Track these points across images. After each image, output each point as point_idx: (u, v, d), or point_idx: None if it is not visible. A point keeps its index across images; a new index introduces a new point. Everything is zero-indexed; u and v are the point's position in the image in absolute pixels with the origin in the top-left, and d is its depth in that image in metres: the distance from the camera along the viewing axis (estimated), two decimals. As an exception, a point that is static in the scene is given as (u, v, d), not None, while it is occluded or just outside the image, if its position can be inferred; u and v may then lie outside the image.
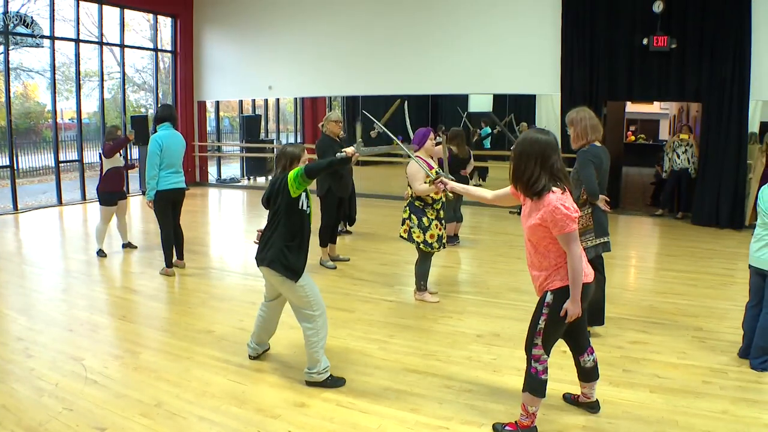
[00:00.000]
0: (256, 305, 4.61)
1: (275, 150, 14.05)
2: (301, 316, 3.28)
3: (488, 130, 11.23)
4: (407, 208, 4.59)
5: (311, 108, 15.03)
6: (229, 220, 9.09)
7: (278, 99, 14.23)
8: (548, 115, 10.38)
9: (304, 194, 3.21)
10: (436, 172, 4.56)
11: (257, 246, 3.33)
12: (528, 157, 2.53)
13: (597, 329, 4.09)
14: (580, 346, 2.86)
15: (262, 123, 14.28)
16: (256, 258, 3.32)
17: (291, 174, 3.11)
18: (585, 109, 3.78)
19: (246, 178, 13.81)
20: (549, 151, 2.53)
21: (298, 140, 15.32)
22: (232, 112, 17.34)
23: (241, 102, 13.93)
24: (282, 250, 3.13)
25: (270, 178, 13.93)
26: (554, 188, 2.47)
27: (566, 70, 8.90)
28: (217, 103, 13.43)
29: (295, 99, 14.79)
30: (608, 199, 3.79)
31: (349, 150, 3.27)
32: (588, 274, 2.61)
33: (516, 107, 11.15)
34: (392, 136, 3.82)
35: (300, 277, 3.19)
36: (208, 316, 4.46)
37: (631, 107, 17.08)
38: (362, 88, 10.79)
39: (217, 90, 12.54)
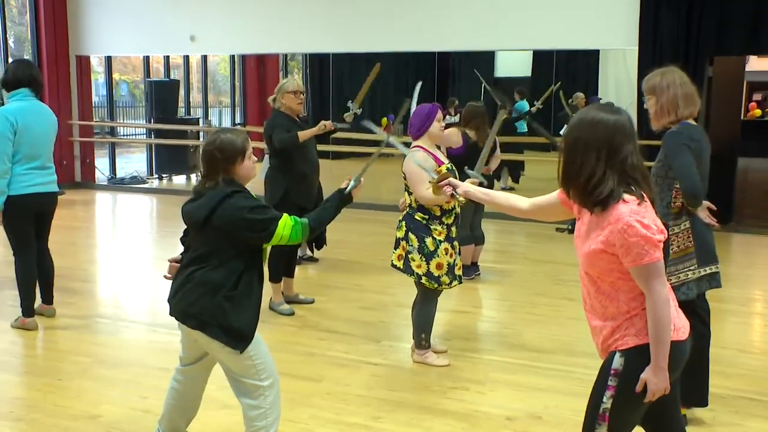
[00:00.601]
0: (169, 373, 4.68)
1: (202, 135, 13.98)
2: (242, 388, 3.30)
3: (525, 105, 11.24)
4: (403, 222, 4.68)
5: (257, 71, 15.00)
6: (128, 242, 9.03)
7: (205, 57, 14.18)
8: (619, 83, 10.42)
9: None
10: (447, 169, 4.47)
11: (171, 284, 3.32)
12: (586, 147, 2.53)
13: (697, 412, 4.06)
14: None
15: (182, 92, 14.21)
16: (170, 303, 3.29)
17: (284, 231, 3.15)
18: (674, 70, 3.83)
19: (156, 176, 13.71)
20: (620, 138, 2.52)
21: (237, 120, 15.28)
22: (133, 75, 17.24)
23: (147, 60, 13.85)
24: (220, 305, 3.13)
25: (197, 178, 13.86)
26: (627, 196, 2.48)
27: (648, 11, 8.95)
28: (109, 60, 13.34)
29: (232, 57, 14.76)
30: (713, 207, 3.83)
31: (354, 183, 3.50)
32: (680, 327, 2.61)
33: (567, 71, 11.18)
34: (374, 127, 3.80)
35: (246, 346, 3.19)
36: (91, 392, 4.40)
37: (756, 64, 17.23)
38: (333, 44, 10.78)
39: (109, 40, 12.45)
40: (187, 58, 14.13)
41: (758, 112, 19.17)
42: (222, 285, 3.13)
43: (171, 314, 3.29)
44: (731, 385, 4.49)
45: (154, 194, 12.61)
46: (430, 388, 4.46)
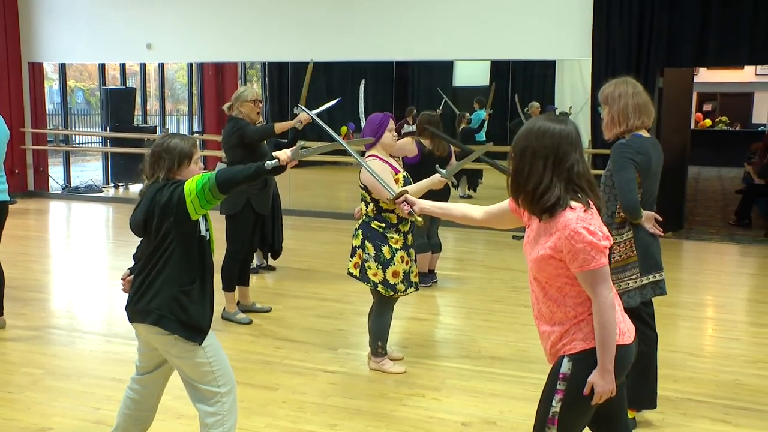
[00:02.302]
0: (123, 383, 4.66)
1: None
2: (199, 395, 3.28)
3: (482, 114, 11.35)
4: (360, 231, 4.69)
5: (215, 79, 14.89)
6: (82, 251, 8.93)
7: (162, 65, 14.05)
8: (574, 92, 10.56)
9: (203, 217, 3.24)
10: (404, 177, 4.48)
11: (128, 294, 3.32)
12: (534, 155, 2.57)
13: (647, 414, 4.12)
14: None
15: (138, 101, 14.06)
16: (127, 310, 3.28)
17: (191, 185, 3.08)
18: (629, 80, 3.88)
19: (112, 185, 13.56)
20: (566, 147, 2.56)
21: (195, 128, 15.17)
22: (89, 82, 17.03)
23: (102, 68, 13.68)
24: (177, 298, 3.14)
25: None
26: (574, 203, 2.52)
27: (601, 22, 9.09)
28: (63, 67, 13.17)
29: (190, 66, 14.64)
30: (659, 218, 3.88)
31: (283, 155, 3.24)
32: (626, 331, 2.65)
33: (524, 81, 11.30)
34: (330, 131, 3.73)
35: (203, 339, 3.21)
36: (42, 404, 4.34)
37: (706, 75, 17.63)
38: (291, 52, 10.78)
39: (63, 47, 12.31)
40: (144, 66, 14.00)
41: (707, 122, 19.60)
42: (176, 279, 3.15)
43: (130, 320, 3.27)
44: (680, 388, 4.58)
45: (110, 203, 12.44)
46: (386, 395, 4.47)
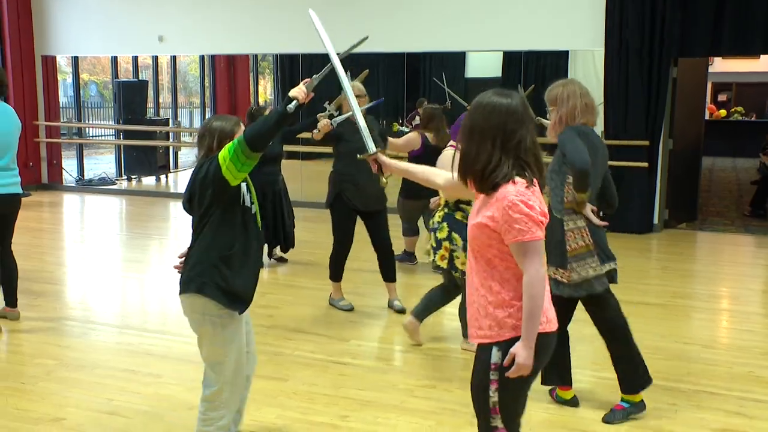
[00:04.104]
0: (136, 374, 4.64)
1: (170, 136, 13.90)
2: (205, 378, 3.38)
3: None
4: (444, 224, 4.84)
5: (227, 72, 14.91)
6: (96, 244, 8.94)
7: (175, 57, 14.07)
8: (587, 83, 10.44)
9: (245, 186, 3.28)
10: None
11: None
12: (482, 135, 2.59)
13: (660, 406, 4.16)
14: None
15: (150, 93, 14.11)
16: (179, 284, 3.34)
17: (223, 152, 3.13)
18: (574, 81, 3.97)
19: (125, 178, 13.61)
20: (513, 123, 2.57)
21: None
22: (102, 75, 17.09)
23: (115, 60, 13.71)
24: (216, 265, 3.19)
25: (191, 172, 13.78)
26: (518, 178, 2.55)
27: (614, 12, 9.04)
28: (76, 60, 13.21)
29: (202, 58, 14.66)
30: (594, 209, 3.93)
31: (300, 93, 3.16)
32: (551, 319, 2.67)
33: (536, 72, 11.23)
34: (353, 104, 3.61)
35: (245, 309, 3.29)
36: (55, 395, 4.35)
37: (720, 65, 17.49)
38: (303, 44, 10.73)
39: (76, 40, 12.33)
40: (156, 58, 14.02)
41: (721, 112, 19.47)
42: (216, 246, 3.20)
43: (180, 294, 3.31)
44: (694, 380, 4.57)
45: (123, 195, 12.48)
46: (396, 386, 4.47)
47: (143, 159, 13.48)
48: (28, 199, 10.58)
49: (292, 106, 3.12)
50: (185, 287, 3.26)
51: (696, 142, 10.11)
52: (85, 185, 12.93)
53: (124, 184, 13.35)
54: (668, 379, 4.51)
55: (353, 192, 5.69)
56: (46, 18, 12.31)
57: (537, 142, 2.64)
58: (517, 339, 2.58)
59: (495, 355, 2.62)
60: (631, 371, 3.99)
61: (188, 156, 15.86)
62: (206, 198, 3.19)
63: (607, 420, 3.96)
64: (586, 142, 3.79)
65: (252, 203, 3.31)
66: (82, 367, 4.77)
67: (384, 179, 3.33)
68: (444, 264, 4.81)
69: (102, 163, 15.04)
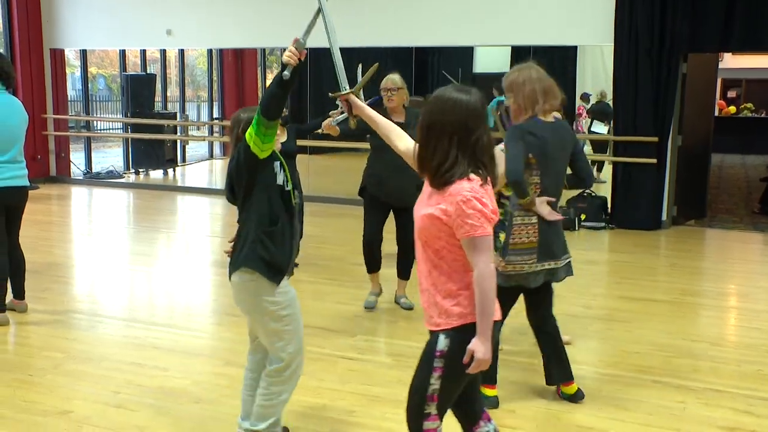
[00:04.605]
0: (144, 368, 4.63)
1: (178, 129, 13.89)
2: (269, 354, 3.48)
3: (501, 101, 11.24)
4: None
5: (235, 66, 14.91)
6: (104, 237, 8.96)
7: (182, 51, 14.07)
8: (596, 79, 10.46)
9: (279, 166, 3.37)
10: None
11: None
12: (441, 132, 2.59)
13: (669, 404, 4.14)
14: (473, 413, 2.94)
15: (158, 87, 14.11)
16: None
17: (249, 130, 3.26)
18: (531, 65, 3.87)
19: (133, 171, 13.63)
20: (473, 121, 2.58)
21: (215, 114, 15.22)
22: (111, 69, 17.07)
23: (123, 54, 13.72)
24: (261, 240, 3.32)
25: (162, 171, 13.79)
26: (473, 175, 2.58)
27: (624, 7, 9.01)
28: (84, 53, 13.22)
29: (210, 52, 14.66)
30: (552, 199, 3.90)
31: (291, 58, 3.12)
32: (496, 309, 2.69)
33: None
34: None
35: (281, 279, 3.36)
36: (63, 387, 4.36)
37: (730, 61, 17.40)
38: (311, 38, 10.68)
39: (84, 33, 12.35)
40: (164, 52, 14.03)
41: (731, 108, 19.39)
42: (260, 223, 3.33)
43: (230, 277, 3.39)
44: (702, 378, 4.54)
45: (131, 189, 12.50)
46: (404, 381, 4.37)
47: (151, 152, 13.49)
48: (36, 192, 10.62)
49: (287, 72, 3.11)
50: (233, 267, 3.38)
51: (705, 139, 10.06)
52: (93, 178, 12.95)
53: (131, 178, 13.38)
54: (676, 377, 4.50)
55: (376, 186, 5.69)
56: (55, 11, 12.33)
57: (492, 142, 2.66)
58: (464, 327, 2.61)
59: (442, 342, 2.64)
60: (557, 364, 4.11)
61: (196, 150, 15.88)
62: (243, 179, 3.32)
63: None
64: (536, 139, 3.75)
65: (285, 180, 3.40)
66: (89, 359, 4.77)
67: (352, 121, 3.39)
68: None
69: (110, 157, 15.05)
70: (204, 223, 10.25)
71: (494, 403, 4.05)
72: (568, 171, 4.06)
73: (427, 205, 2.63)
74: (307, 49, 3.25)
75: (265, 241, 3.32)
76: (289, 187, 3.41)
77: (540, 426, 3.89)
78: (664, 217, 9.13)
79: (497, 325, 2.72)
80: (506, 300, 3.85)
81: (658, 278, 7.04)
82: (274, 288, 3.33)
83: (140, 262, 7.43)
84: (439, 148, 2.57)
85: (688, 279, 7.00)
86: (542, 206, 3.83)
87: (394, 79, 5.57)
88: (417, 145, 2.68)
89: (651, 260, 7.78)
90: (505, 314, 3.79)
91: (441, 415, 2.74)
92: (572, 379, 4.15)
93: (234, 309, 5.74)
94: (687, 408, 4.12)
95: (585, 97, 11.04)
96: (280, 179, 3.37)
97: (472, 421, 2.93)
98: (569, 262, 4.03)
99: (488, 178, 2.60)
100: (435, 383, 2.67)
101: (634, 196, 9.02)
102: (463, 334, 2.61)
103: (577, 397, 4.13)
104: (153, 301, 6.29)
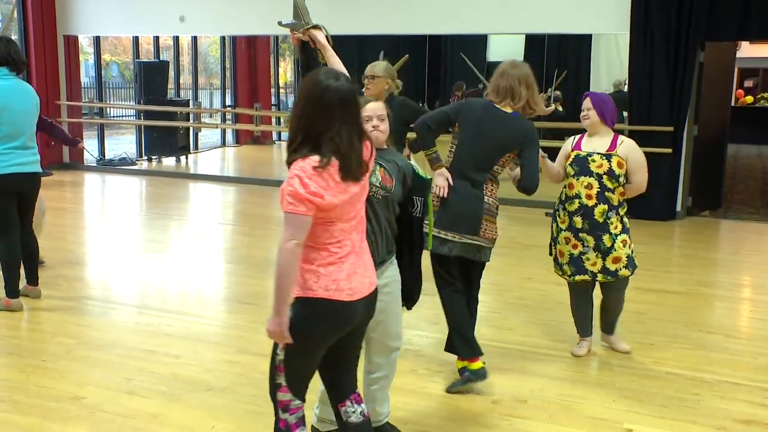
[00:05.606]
0: (156, 355, 4.66)
1: (191, 117, 13.89)
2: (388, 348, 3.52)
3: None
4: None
5: (247, 53, 14.90)
6: (117, 224, 8.98)
7: (195, 38, 14.06)
8: (611, 67, 10.38)
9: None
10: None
11: None
12: (303, 110, 2.66)
13: (684, 396, 4.12)
14: (338, 391, 2.97)
15: (171, 74, 14.10)
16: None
17: None
18: (517, 65, 4.16)
19: (146, 158, 13.66)
20: (337, 105, 2.62)
21: (227, 102, 15.19)
22: (124, 56, 17.11)
23: (136, 41, 13.71)
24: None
25: (180, 157, 13.79)
26: (314, 156, 2.60)
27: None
28: (98, 40, 13.21)
29: (223, 39, 14.65)
30: (447, 175, 4.07)
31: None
32: (345, 288, 2.69)
33: (559, 55, 11.13)
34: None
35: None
36: (76, 373, 4.39)
37: (748, 50, 17.22)
38: (325, 25, 10.68)
39: (97, 20, 12.34)
40: (177, 39, 14.02)
41: (750, 98, 19.21)
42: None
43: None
44: (716, 370, 4.52)
45: (144, 176, 12.51)
46: (416, 371, 4.45)
47: (164, 139, 13.50)
48: (50, 179, 10.64)
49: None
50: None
51: (721, 129, 9.96)
52: (106, 165, 12.99)
53: (144, 165, 13.39)
54: (691, 369, 4.47)
55: None
56: (68, -3, 12.33)
57: (362, 131, 2.72)
58: (299, 300, 2.67)
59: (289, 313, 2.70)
60: (460, 339, 4.20)
61: (208, 137, 15.89)
62: None
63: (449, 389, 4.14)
64: (471, 112, 4.07)
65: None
66: (101, 346, 4.80)
67: (321, 56, 3.54)
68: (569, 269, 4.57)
69: (123, 144, 15.09)
70: (216, 210, 10.25)
71: (482, 375, 4.10)
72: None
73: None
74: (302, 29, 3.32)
75: None
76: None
77: (552, 416, 3.86)
78: (678, 207, 9.05)
79: (338, 305, 2.69)
80: (437, 264, 4.19)
81: (672, 269, 6.99)
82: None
83: (152, 249, 7.43)
84: (295, 126, 2.65)
85: (702, 270, 6.95)
86: (438, 177, 4.02)
87: (374, 66, 5.04)
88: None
89: (665, 251, 7.72)
90: (440, 280, 4.16)
91: (295, 391, 2.78)
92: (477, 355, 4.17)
93: (245, 297, 5.78)
94: (701, 400, 4.09)
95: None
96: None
97: (338, 399, 2.97)
98: (480, 245, 4.09)
99: (329, 163, 2.58)
100: (281, 354, 2.75)
101: (649, 186, 8.88)
102: (297, 307, 2.66)
103: (479, 375, 4.13)
104: (165, 288, 6.29)
